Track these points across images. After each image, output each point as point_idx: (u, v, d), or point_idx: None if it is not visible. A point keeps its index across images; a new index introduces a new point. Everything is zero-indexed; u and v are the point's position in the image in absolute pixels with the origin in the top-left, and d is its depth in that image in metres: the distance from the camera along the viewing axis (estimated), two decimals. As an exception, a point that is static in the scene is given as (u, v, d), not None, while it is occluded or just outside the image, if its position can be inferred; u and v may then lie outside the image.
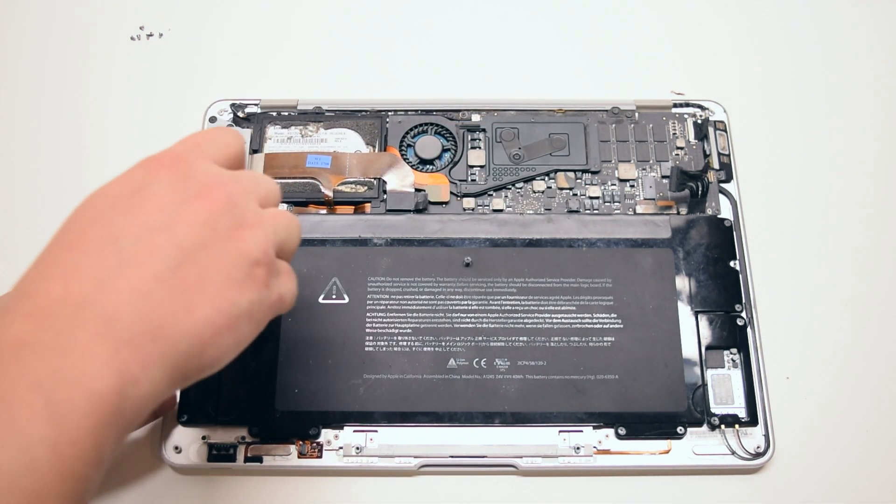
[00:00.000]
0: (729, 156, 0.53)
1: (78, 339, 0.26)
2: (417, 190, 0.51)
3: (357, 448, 0.44)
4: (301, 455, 0.44)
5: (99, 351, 0.26)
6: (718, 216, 0.50)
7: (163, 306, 0.27)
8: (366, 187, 0.51)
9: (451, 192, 0.51)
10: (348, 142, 0.53)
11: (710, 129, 0.53)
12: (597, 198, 0.51)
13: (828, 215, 0.53)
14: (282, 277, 0.32)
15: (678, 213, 0.51)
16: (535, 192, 0.52)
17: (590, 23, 0.60)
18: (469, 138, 0.53)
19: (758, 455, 0.45)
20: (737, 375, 0.46)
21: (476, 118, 0.54)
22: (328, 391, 0.45)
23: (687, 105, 0.54)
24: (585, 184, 0.52)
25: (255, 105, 0.54)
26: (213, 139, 0.33)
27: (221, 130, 0.34)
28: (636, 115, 0.54)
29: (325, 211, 0.51)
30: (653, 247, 0.49)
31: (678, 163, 0.52)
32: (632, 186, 0.52)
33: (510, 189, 0.52)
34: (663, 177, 0.52)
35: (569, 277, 0.48)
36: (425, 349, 0.46)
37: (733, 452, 0.45)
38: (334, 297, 0.47)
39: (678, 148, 0.53)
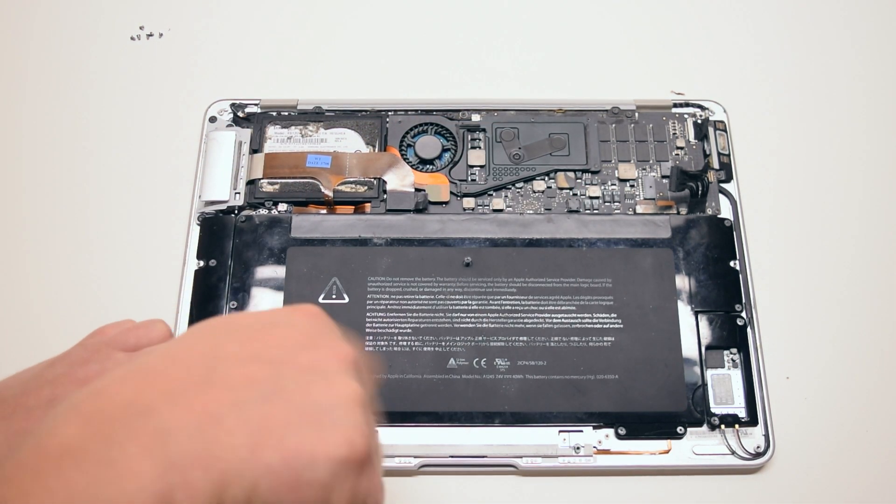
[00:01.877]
0: (729, 156, 0.53)
1: (127, 451, 0.23)
2: (417, 190, 0.51)
3: (357, 448, 0.44)
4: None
5: (145, 468, 0.23)
6: (718, 216, 0.50)
7: (229, 437, 0.24)
8: (366, 187, 0.51)
9: (451, 192, 0.51)
10: (348, 142, 0.53)
11: (710, 129, 0.53)
12: (597, 198, 0.51)
13: (828, 215, 0.53)
14: (374, 477, 0.28)
15: (678, 213, 0.51)
16: (535, 192, 0.52)
17: (590, 23, 0.60)
18: (469, 138, 0.53)
19: (758, 455, 0.45)
20: (737, 375, 0.46)
21: (476, 118, 0.54)
22: (328, 391, 0.45)
23: (687, 105, 0.54)
24: (585, 184, 0.52)
25: (255, 105, 0.54)
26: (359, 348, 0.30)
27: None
28: (636, 115, 0.54)
29: (325, 211, 0.51)
30: (653, 247, 0.49)
31: (678, 163, 0.52)
32: (632, 186, 0.52)
33: (510, 189, 0.52)
34: (663, 177, 0.52)
35: (569, 277, 0.48)
36: (425, 349, 0.46)
37: (733, 452, 0.45)
38: (334, 297, 0.47)
39: (678, 148, 0.53)
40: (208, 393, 0.25)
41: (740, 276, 0.49)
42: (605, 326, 0.47)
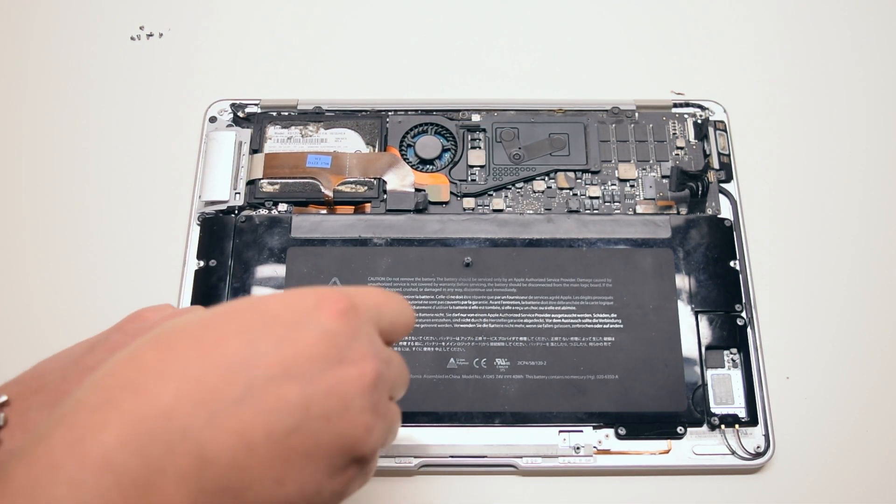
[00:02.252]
0: (729, 156, 0.53)
1: (166, 475, 0.24)
2: (417, 190, 0.51)
3: (357, 448, 0.44)
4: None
5: (180, 498, 0.24)
6: (718, 216, 0.50)
7: (259, 469, 0.25)
8: (366, 187, 0.51)
9: (451, 192, 0.51)
10: (348, 142, 0.53)
11: (710, 129, 0.53)
12: (597, 198, 0.51)
13: (828, 215, 0.53)
14: (364, 475, 0.30)
15: (678, 213, 0.51)
16: (535, 192, 0.52)
17: (590, 23, 0.60)
18: (469, 138, 0.53)
19: (758, 455, 0.45)
20: (737, 375, 0.46)
21: (476, 118, 0.54)
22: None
23: (687, 105, 0.54)
24: (585, 184, 0.52)
25: (255, 105, 0.54)
26: (395, 308, 0.31)
27: (404, 305, 0.32)
28: (636, 115, 0.54)
29: (325, 211, 0.51)
30: (653, 247, 0.49)
31: (678, 163, 0.52)
32: (632, 186, 0.52)
33: (510, 189, 0.52)
34: (663, 177, 0.52)
35: (569, 277, 0.48)
36: (425, 349, 0.46)
37: (733, 452, 0.45)
38: (334, 297, 0.47)
39: (678, 148, 0.53)
40: (244, 416, 0.25)
41: (740, 276, 0.49)
42: (605, 326, 0.47)
